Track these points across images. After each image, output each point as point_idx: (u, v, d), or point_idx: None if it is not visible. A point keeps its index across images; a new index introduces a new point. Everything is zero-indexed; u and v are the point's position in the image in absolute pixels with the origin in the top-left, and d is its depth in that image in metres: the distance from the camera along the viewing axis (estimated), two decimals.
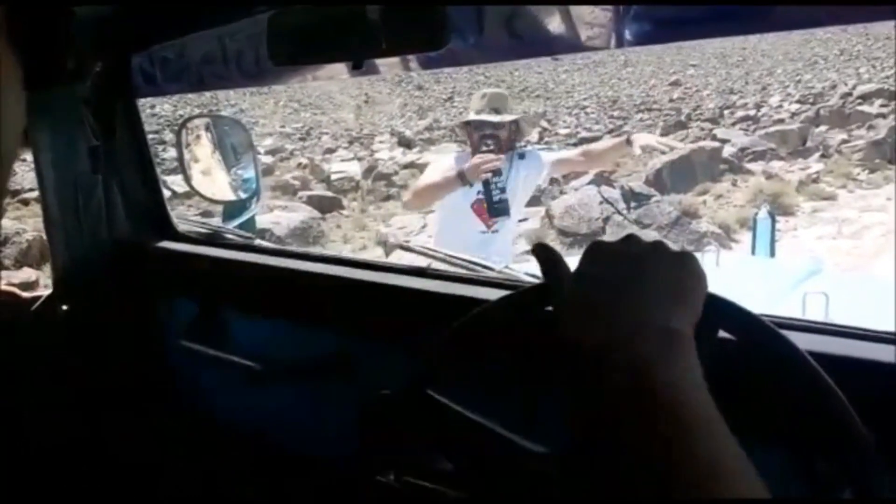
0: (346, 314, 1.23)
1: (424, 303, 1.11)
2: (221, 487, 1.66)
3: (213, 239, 1.55)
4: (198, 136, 1.87)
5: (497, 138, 2.73)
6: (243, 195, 1.82)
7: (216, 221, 1.91)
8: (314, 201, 13.60)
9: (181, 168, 1.80)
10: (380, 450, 0.84)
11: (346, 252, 9.76)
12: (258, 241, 1.56)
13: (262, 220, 10.24)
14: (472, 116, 2.80)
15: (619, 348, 0.52)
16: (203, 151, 1.86)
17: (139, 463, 1.44)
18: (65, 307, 1.46)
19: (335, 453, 0.88)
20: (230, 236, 1.56)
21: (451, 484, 0.77)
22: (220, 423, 1.52)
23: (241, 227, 1.82)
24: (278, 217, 10.60)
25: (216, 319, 1.45)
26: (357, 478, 0.86)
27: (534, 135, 23.66)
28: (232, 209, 1.87)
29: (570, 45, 0.97)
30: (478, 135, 2.77)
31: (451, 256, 1.23)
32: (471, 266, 1.18)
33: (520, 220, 3.42)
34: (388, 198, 15.74)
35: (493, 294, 1.01)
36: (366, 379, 1.19)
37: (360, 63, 0.99)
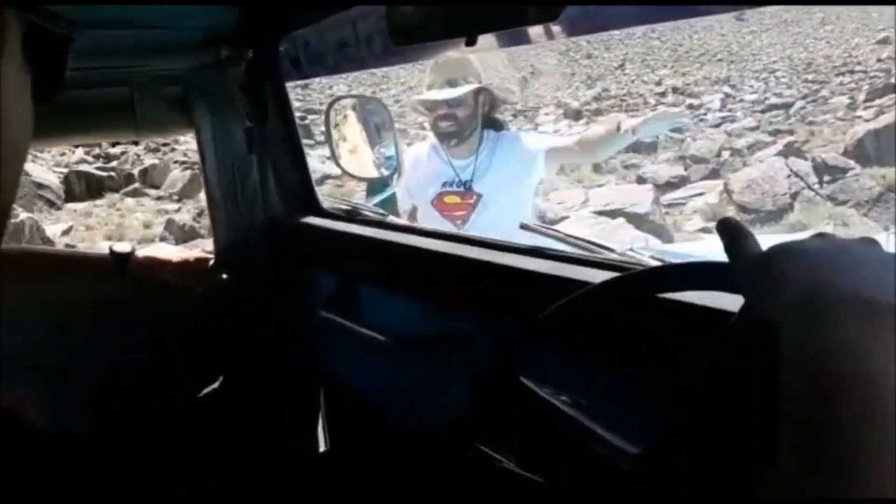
0: (467, 292, 1.24)
1: (541, 283, 1.08)
2: (340, 449, 1.76)
3: (353, 215, 1.62)
4: (345, 116, 1.96)
5: (454, 118, 2.32)
6: (385, 172, 1.89)
7: None
8: None
9: (329, 146, 1.90)
10: (476, 428, 0.85)
11: None
12: (391, 219, 1.60)
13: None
14: (423, 95, 2.39)
15: (820, 322, 0.44)
16: (350, 130, 1.95)
17: (268, 419, 1.57)
18: (224, 276, 1.61)
19: (445, 428, 0.90)
20: (368, 213, 1.62)
21: (530, 468, 0.76)
22: (348, 390, 1.61)
23: (382, 202, 1.90)
24: None
25: (352, 292, 1.53)
26: (457, 453, 0.87)
27: (716, 101, 22.08)
28: (375, 186, 1.95)
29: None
30: (433, 116, 2.37)
31: (570, 237, 1.19)
32: (591, 247, 1.13)
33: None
34: None
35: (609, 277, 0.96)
36: (481, 357, 1.20)
37: (473, 40, 0.97)
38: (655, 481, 0.63)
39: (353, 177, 1.93)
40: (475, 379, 0.82)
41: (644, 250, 1.19)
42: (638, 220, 9.14)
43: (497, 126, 2.47)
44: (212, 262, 1.60)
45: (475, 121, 2.36)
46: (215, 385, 1.60)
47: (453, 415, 0.87)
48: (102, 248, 1.54)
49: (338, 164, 1.89)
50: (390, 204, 1.87)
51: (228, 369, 1.60)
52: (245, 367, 1.61)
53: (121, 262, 1.42)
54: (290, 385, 1.70)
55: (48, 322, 1.41)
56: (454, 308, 1.26)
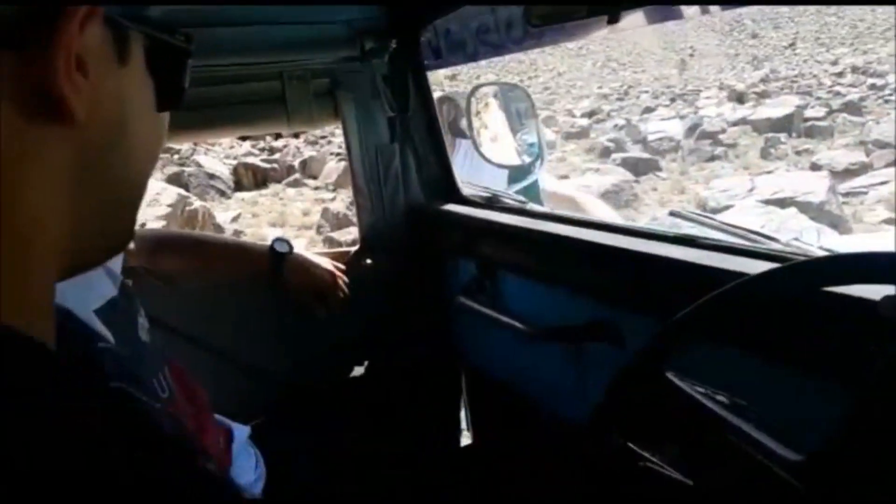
0: (612, 282, 1.18)
1: (692, 274, 1.00)
2: (482, 438, 1.75)
3: (493, 203, 1.60)
4: (486, 104, 1.95)
5: None
6: (527, 159, 1.85)
7: None
8: (629, 163, 13.29)
9: (470, 134, 1.89)
10: (615, 423, 0.79)
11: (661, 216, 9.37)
12: (532, 206, 1.56)
13: (573, 184, 10.35)
14: None
15: None
16: (491, 118, 1.93)
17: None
18: (368, 261, 1.65)
19: (588, 421, 0.85)
20: (508, 200, 1.59)
21: (677, 469, 0.70)
22: (489, 378, 1.59)
23: (524, 190, 1.86)
24: (589, 180, 10.61)
25: (491, 279, 1.51)
26: (601, 448, 0.83)
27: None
28: (517, 173, 1.91)
29: None
30: None
31: (726, 224, 1.08)
32: (750, 236, 1.03)
33: None
34: (712, 158, 14.65)
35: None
36: (625, 350, 1.14)
37: (615, 18, 0.91)
38: (819, 492, 0.55)
39: (494, 164, 1.90)
40: (619, 372, 0.76)
41: (813, 241, 1.06)
42: (811, 210, 8.39)
43: (462, 134, 2.27)
44: (355, 250, 1.65)
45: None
46: (360, 370, 1.65)
47: (597, 409, 0.82)
48: (267, 237, 1.63)
49: (479, 152, 1.88)
50: (532, 192, 1.83)
51: (371, 355, 1.64)
52: (387, 354, 1.65)
53: (278, 260, 1.50)
54: (432, 372, 1.72)
55: (210, 303, 1.51)
56: (598, 298, 1.20)
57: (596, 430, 0.83)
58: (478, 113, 1.92)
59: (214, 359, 1.52)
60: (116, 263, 1.09)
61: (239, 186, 12.19)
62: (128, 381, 0.48)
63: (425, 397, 1.67)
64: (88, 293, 0.91)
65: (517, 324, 1.36)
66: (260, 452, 1.16)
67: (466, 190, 1.68)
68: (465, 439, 1.81)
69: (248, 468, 1.08)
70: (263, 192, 12.49)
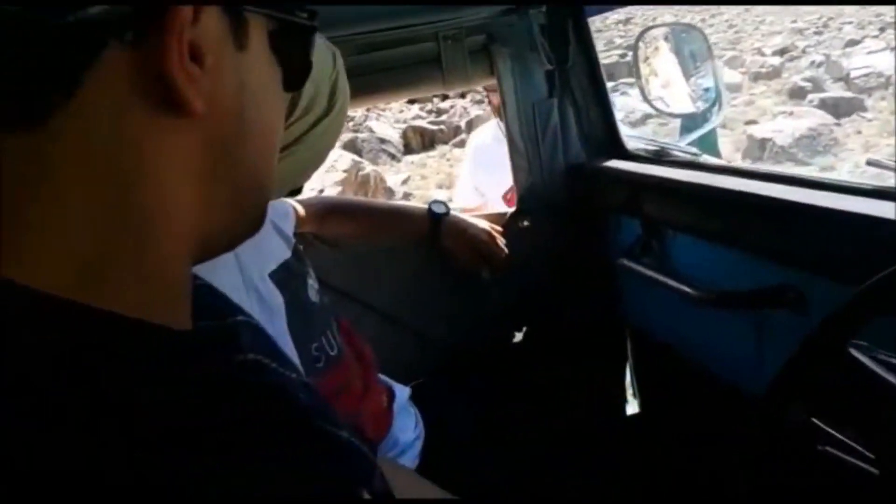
0: (796, 242, 1.03)
1: (891, 234, 0.84)
2: (647, 401, 1.65)
3: (661, 157, 1.48)
4: (656, 48, 1.79)
5: None
6: (703, 106, 1.68)
7: None
8: (828, 104, 11.88)
9: (637, 81, 1.75)
10: (796, 396, 0.70)
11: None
12: (705, 159, 1.42)
13: (762, 130, 9.47)
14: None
15: None
16: (662, 62, 1.77)
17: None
18: (525, 223, 1.60)
19: (760, 390, 0.76)
20: (678, 153, 1.46)
21: (861, 456, 0.60)
22: (656, 344, 1.50)
23: (699, 141, 1.70)
24: (781, 125, 9.64)
25: (658, 239, 1.40)
26: (770, 419, 0.73)
27: None
28: (690, 122, 1.75)
29: None
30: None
31: None
32: None
33: None
34: None
35: None
36: (809, 318, 1.00)
37: None
38: None
39: (665, 113, 1.76)
40: (802, 343, 0.67)
41: None
42: None
43: None
44: (513, 212, 1.61)
45: None
46: (520, 334, 1.62)
47: (775, 380, 0.73)
48: (434, 198, 1.64)
49: (646, 100, 1.74)
50: (709, 143, 1.66)
51: (531, 319, 1.60)
52: (548, 317, 1.60)
53: (436, 221, 1.50)
54: (595, 337, 1.65)
55: (374, 266, 1.56)
56: (779, 260, 1.07)
57: (774, 404, 0.74)
58: (646, 58, 1.77)
59: (378, 321, 1.56)
60: (289, 228, 1.15)
61: (408, 149, 12.58)
62: (264, 354, 0.48)
63: (588, 363, 1.61)
64: (265, 257, 0.96)
65: (687, 288, 1.25)
66: (420, 413, 1.19)
67: (632, 144, 1.57)
68: (632, 408, 1.73)
69: (407, 427, 1.11)
70: (431, 153, 12.78)
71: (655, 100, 1.75)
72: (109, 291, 0.32)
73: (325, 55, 0.95)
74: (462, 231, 1.50)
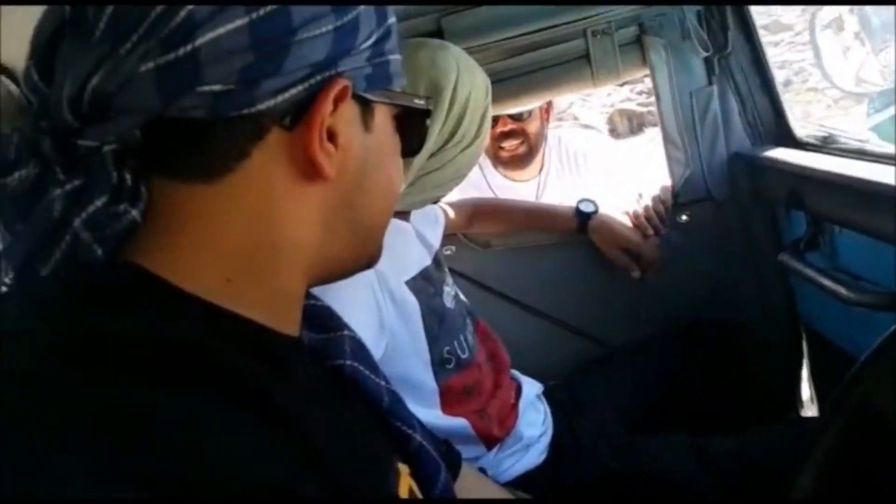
0: None
1: None
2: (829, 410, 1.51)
3: (831, 145, 1.35)
4: (839, 20, 1.63)
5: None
6: (891, 83, 1.51)
7: None
8: None
9: (816, 58, 1.61)
10: None
11: None
12: (882, 148, 1.27)
13: None
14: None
15: None
16: (845, 35, 1.61)
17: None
18: (684, 217, 1.55)
19: None
20: (852, 142, 1.32)
21: None
22: (832, 347, 1.38)
23: (886, 124, 1.52)
24: None
25: (825, 235, 1.30)
26: None
27: None
28: (878, 101, 1.56)
29: None
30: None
31: None
32: None
33: None
34: None
35: None
36: None
37: None
38: None
39: (847, 91, 1.59)
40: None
41: None
42: None
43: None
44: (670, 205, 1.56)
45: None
46: (674, 332, 1.57)
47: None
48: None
49: (825, 77, 1.59)
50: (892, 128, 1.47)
51: (689, 316, 1.55)
52: (708, 315, 1.54)
53: (583, 220, 1.52)
54: (765, 335, 1.56)
55: (521, 264, 1.61)
56: None
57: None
58: (826, 30, 1.61)
59: (524, 317, 1.61)
60: (436, 233, 1.24)
61: (615, 134, 12.18)
62: (360, 361, 0.59)
63: (756, 363, 1.52)
64: (405, 265, 1.06)
65: (852, 290, 1.15)
66: (555, 408, 1.22)
67: (801, 131, 1.45)
68: (809, 410, 1.60)
69: (534, 423, 1.15)
70: (638, 137, 12.22)
71: (837, 77, 1.60)
72: (242, 300, 0.43)
73: (481, 87, 1.02)
74: (611, 229, 1.50)
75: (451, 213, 1.49)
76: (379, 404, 0.59)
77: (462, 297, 1.20)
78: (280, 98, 0.41)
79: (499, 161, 1.91)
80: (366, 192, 0.49)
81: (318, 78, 0.42)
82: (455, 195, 1.56)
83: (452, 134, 0.99)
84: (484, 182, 1.95)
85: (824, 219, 1.29)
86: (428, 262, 1.13)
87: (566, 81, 1.56)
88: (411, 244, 1.10)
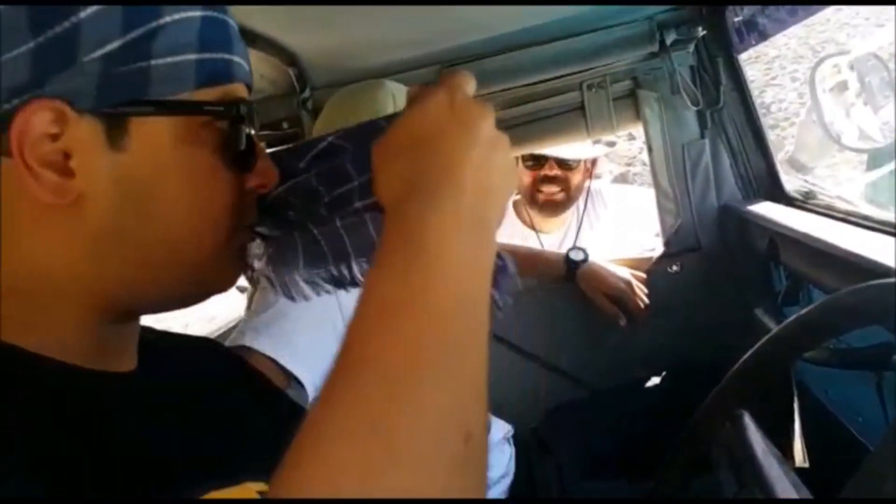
0: None
1: None
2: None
3: (823, 204, 1.35)
4: (839, 78, 1.64)
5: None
6: (888, 139, 1.51)
7: None
8: None
9: (816, 114, 1.62)
10: None
11: None
12: (868, 211, 1.24)
13: None
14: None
15: None
16: (844, 94, 1.62)
17: None
18: (674, 268, 1.58)
19: None
20: (836, 202, 1.32)
21: None
22: (821, 409, 1.37)
23: (883, 180, 1.52)
24: None
25: (805, 293, 1.30)
26: None
27: None
28: (878, 156, 1.56)
29: None
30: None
31: None
32: None
33: None
34: None
35: None
36: None
37: None
38: None
39: (848, 147, 1.60)
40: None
41: None
42: None
43: None
44: (658, 256, 1.59)
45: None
46: (657, 379, 1.59)
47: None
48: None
49: (827, 132, 1.60)
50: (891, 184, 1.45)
51: (675, 365, 1.57)
52: (692, 364, 1.55)
53: (572, 268, 1.56)
54: (755, 384, 1.55)
55: (513, 307, 1.65)
56: None
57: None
58: (826, 89, 1.62)
59: (514, 358, 1.65)
60: None
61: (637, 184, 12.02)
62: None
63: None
64: None
65: (830, 347, 1.15)
66: (520, 452, 1.25)
67: (790, 185, 1.46)
68: (797, 463, 1.57)
69: (497, 464, 1.18)
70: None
71: (839, 132, 1.61)
72: (34, 338, 0.42)
73: (385, 100, 1.05)
74: (600, 278, 1.53)
75: None
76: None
77: None
78: None
79: (534, 203, 1.91)
80: (146, 218, 0.44)
81: (15, 102, 0.39)
82: None
83: None
84: (516, 231, 1.98)
85: (798, 274, 1.30)
86: None
87: (562, 132, 1.62)
88: None
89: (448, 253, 0.38)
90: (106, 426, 0.42)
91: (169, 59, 0.43)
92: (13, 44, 0.38)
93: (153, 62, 0.42)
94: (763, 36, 1.28)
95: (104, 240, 0.43)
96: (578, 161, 1.84)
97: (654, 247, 1.68)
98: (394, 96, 1.05)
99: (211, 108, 0.46)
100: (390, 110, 1.03)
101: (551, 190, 1.86)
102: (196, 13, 0.45)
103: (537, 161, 1.85)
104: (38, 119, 0.39)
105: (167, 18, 0.43)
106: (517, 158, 1.91)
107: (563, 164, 1.84)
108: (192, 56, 0.44)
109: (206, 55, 0.45)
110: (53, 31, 0.39)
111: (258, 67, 1.34)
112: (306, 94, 1.50)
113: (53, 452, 0.37)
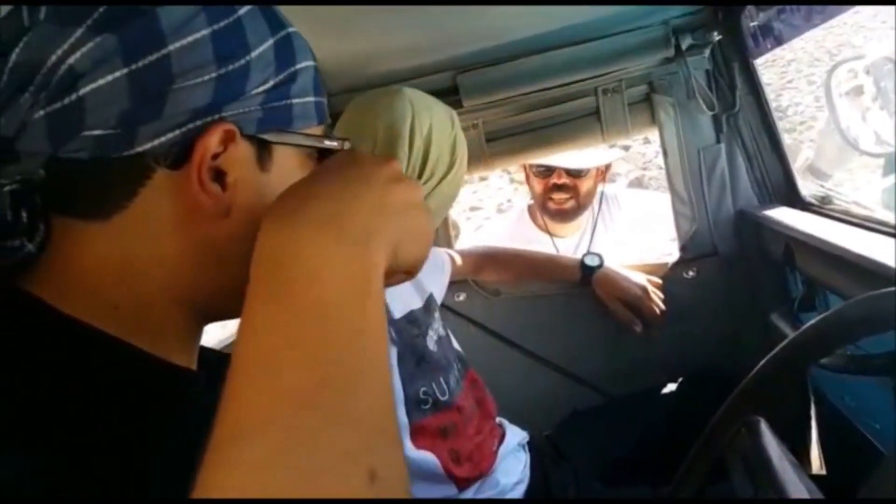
0: None
1: None
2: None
3: (839, 209, 1.35)
4: (856, 82, 1.63)
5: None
6: None
7: None
8: None
9: (832, 118, 1.62)
10: None
11: None
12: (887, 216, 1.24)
13: None
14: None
15: None
16: (860, 98, 1.61)
17: None
18: (691, 273, 1.57)
19: None
20: (853, 207, 1.31)
21: None
22: (838, 414, 1.36)
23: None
24: None
25: (819, 295, 1.29)
26: None
27: None
28: (893, 163, 1.54)
29: None
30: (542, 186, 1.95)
31: None
32: None
33: None
34: None
35: None
36: None
37: None
38: None
39: (864, 152, 1.59)
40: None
41: None
42: None
43: None
44: (674, 262, 1.59)
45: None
46: (673, 386, 1.58)
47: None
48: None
49: (843, 137, 1.60)
50: None
51: (691, 371, 1.56)
52: (709, 371, 1.54)
53: (587, 273, 1.56)
54: (771, 391, 1.54)
55: (528, 312, 1.66)
56: None
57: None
58: (843, 93, 1.61)
59: (530, 364, 1.65)
60: (434, 281, 1.31)
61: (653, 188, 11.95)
62: None
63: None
64: (396, 303, 1.14)
65: (846, 353, 1.14)
66: (535, 458, 1.25)
67: (806, 190, 1.45)
68: (815, 470, 1.56)
69: (512, 471, 1.18)
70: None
71: (855, 137, 1.60)
72: (128, 328, 0.46)
73: (444, 120, 1.10)
74: (614, 283, 1.53)
75: (459, 261, 1.56)
76: None
77: (454, 342, 1.25)
78: (158, 141, 0.43)
79: (545, 211, 1.95)
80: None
81: (199, 122, 0.45)
82: (498, 243, 1.68)
83: (422, 169, 1.06)
84: (531, 235, 2.01)
85: (815, 280, 1.29)
86: (417, 305, 1.19)
87: (577, 137, 1.62)
88: (401, 287, 1.17)
89: (321, 287, 0.38)
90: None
91: (303, 99, 0.51)
92: (200, 73, 0.44)
93: (294, 101, 0.50)
94: (778, 41, 1.27)
95: (234, 248, 0.47)
96: (588, 169, 1.86)
97: (670, 252, 1.68)
98: (412, 103, 1.06)
99: (335, 141, 0.54)
100: (408, 117, 1.04)
101: (561, 198, 1.90)
102: (311, 62, 0.53)
103: (547, 169, 1.88)
104: (212, 138, 0.45)
105: (300, 65, 0.51)
106: (525, 166, 1.94)
107: (573, 173, 1.86)
108: (312, 98, 0.52)
109: (319, 98, 0.53)
110: (234, 65, 0.46)
111: None
112: None
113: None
